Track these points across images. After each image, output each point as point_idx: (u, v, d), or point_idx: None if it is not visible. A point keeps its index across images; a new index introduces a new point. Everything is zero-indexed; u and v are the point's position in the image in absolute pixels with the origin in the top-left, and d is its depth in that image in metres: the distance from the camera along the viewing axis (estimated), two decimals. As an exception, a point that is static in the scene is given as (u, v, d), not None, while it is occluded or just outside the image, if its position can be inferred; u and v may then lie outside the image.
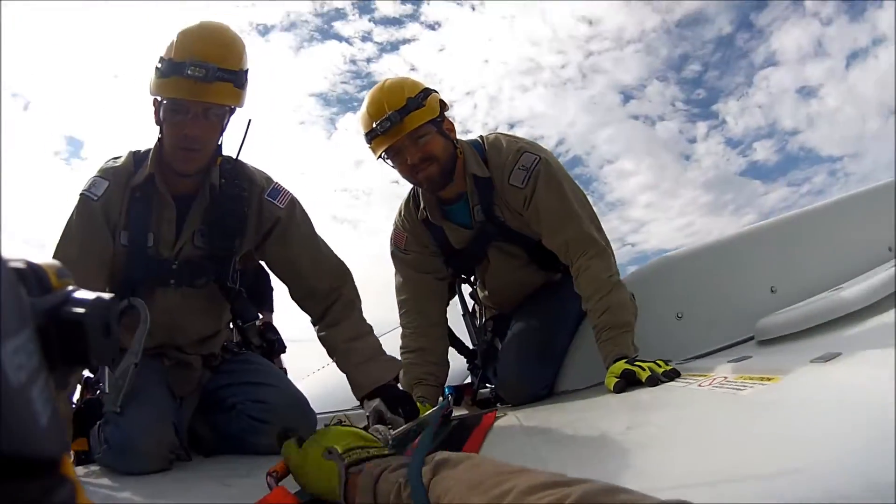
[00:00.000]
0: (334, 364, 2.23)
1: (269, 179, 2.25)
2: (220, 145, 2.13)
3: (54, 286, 0.47)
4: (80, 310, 0.45)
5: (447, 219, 2.52)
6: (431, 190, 2.42)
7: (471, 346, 2.83)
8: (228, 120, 2.07)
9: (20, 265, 0.44)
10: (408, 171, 2.35)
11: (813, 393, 1.19)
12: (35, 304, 0.42)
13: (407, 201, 2.62)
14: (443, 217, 2.52)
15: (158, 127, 2.05)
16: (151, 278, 2.11)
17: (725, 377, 1.52)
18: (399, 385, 2.26)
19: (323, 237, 2.34)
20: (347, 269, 2.34)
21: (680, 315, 2.49)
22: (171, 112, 1.97)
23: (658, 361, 1.88)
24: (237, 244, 2.20)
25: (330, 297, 2.24)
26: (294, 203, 2.25)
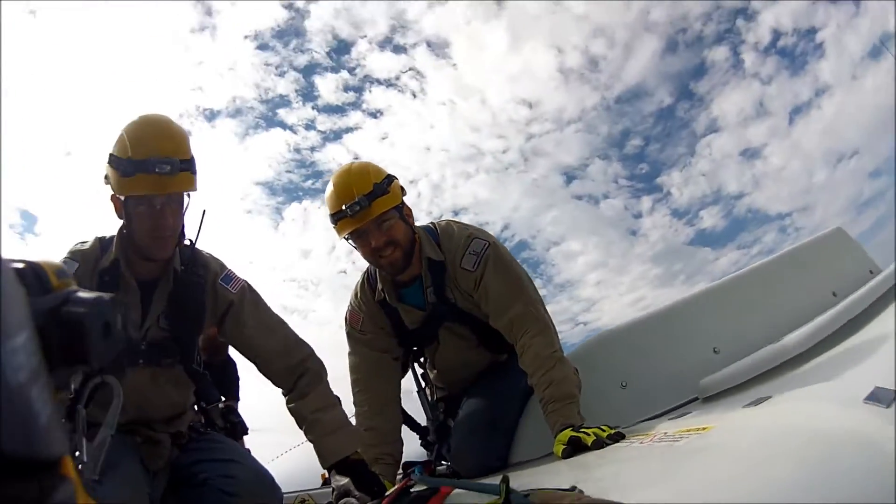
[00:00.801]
0: (295, 450, 2.37)
1: (222, 266, 2.37)
2: (183, 229, 2.24)
3: (54, 286, 0.47)
4: (80, 310, 0.46)
5: (402, 300, 2.60)
6: (392, 273, 2.50)
7: (424, 423, 2.87)
8: (187, 205, 2.19)
9: (20, 265, 0.44)
10: (370, 254, 2.43)
11: (739, 435, 1.24)
12: (35, 304, 0.42)
13: (362, 283, 2.70)
14: (398, 299, 2.60)
15: (122, 220, 2.16)
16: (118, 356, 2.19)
17: (665, 433, 1.56)
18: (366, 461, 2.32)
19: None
20: (307, 344, 2.44)
21: (624, 384, 2.52)
22: (138, 206, 2.09)
23: (603, 426, 1.92)
24: (197, 327, 2.29)
25: (297, 370, 2.34)
26: (245, 288, 2.37)
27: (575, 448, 1.91)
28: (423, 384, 2.91)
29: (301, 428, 2.32)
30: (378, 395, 2.64)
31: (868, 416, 1.04)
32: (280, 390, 2.40)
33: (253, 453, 2.86)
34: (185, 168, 2.07)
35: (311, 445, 2.31)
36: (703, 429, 1.40)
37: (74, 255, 2.18)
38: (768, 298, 2.84)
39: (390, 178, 2.43)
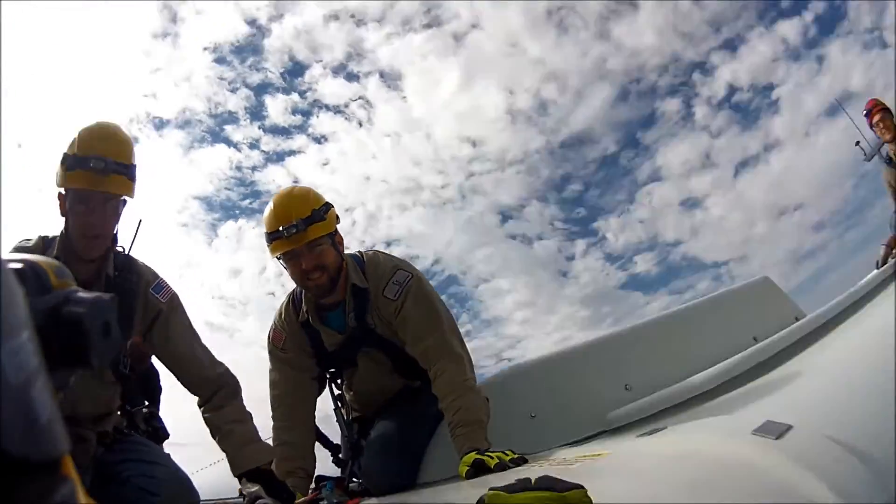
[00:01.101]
0: (215, 466, 2.42)
1: (155, 275, 2.46)
2: (116, 234, 2.34)
3: (54, 286, 0.47)
4: (80, 309, 0.45)
5: (324, 323, 2.68)
6: (318, 296, 2.59)
7: (337, 441, 2.96)
8: (122, 210, 2.29)
9: (20, 265, 0.44)
10: (299, 276, 2.52)
11: (628, 460, 1.25)
12: (35, 304, 0.42)
13: (287, 304, 2.77)
14: (320, 321, 2.67)
15: (64, 218, 2.25)
16: None
17: (564, 458, 1.59)
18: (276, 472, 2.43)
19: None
20: (222, 362, 2.57)
21: (533, 415, 2.56)
22: (74, 203, 2.19)
23: (507, 451, 1.96)
24: (126, 332, 2.33)
25: (215, 382, 2.48)
26: (175, 298, 2.48)
27: (478, 470, 1.95)
28: (339, 404, 2.97)
29: (215, 438, 2.42)
30: (295, 411, 2.71)
31: (753, 446, 1.05)
32: (196, 400, 2.49)
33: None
34: (120, 171, 2.18)
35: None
36: (598, 455, 1.42)
37: (17, 253, 2.22)
38: (687, 340, 2.90)
39: (328, 206, 2.53)
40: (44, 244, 2.30)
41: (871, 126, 5.23)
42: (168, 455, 2.67)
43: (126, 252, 2.38)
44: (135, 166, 2.26)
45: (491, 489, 0.83)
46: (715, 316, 3.09)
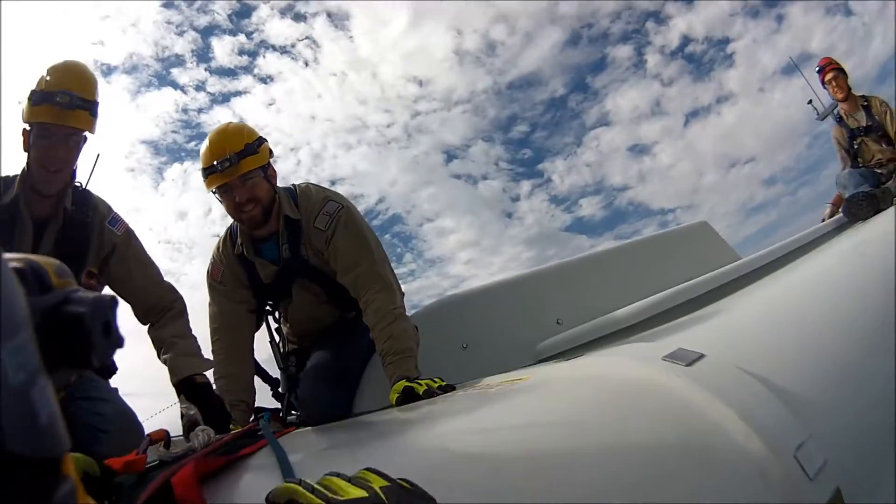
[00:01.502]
0: (163, 413, 2.48)
1: (109, 209, 2.52)
2: (75, 170, 2.39)
3: (54, 285, 0.46)
4: (81, 309, 0.45)
5: (259, 255, 2.73)
6: (251, 228, 2.63)
7: (276, 376, 3.01)
8: (83, 146, 2.35)
9: (20, 264, 0.44)
10: (233, 208, 2.56)
11: (543, 381, 1.30)
12: (35, 304, 0.42)
13: (224, 239, 2.81)
14: (255, 253, 2.72)
15: (26, 153, 2.29)
16: None
17: (488, 384, 1.62)
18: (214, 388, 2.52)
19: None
20: (177, 290, 2.66)
21: (465, 345, 2.63)
22: (37, 137, 2.25)
23: (435, 379, 2.03)
24: (82, 266, 2.40)
25: (164, 308, 2.56)
26: (129, 231, 2.55)
27: (407, 397, 2.01)
28: (275, 337, 3.02)
29: (158, 351, 2.49)
30: (234, 344, 2.75)
31: (662, 370, 1.09)
32: (146, 327, 2.56)
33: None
34: (84, 107, 2.24)
35: (178, 410, 2.40)
36: (519, 379, 1.45)
37: None
38: (621, 278, 2.96)
39: (261, 140, 2.60)
40: (4, 183, 2.32)
41: (824, 84, 5.21)
42: (116, 390, 2.67)
43: (83, 186, 2.44)
44: (97, 103, 2.31)
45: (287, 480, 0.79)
46: (650, 255, 3.16)
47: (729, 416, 0.93)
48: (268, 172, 2.63)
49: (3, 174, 2.37)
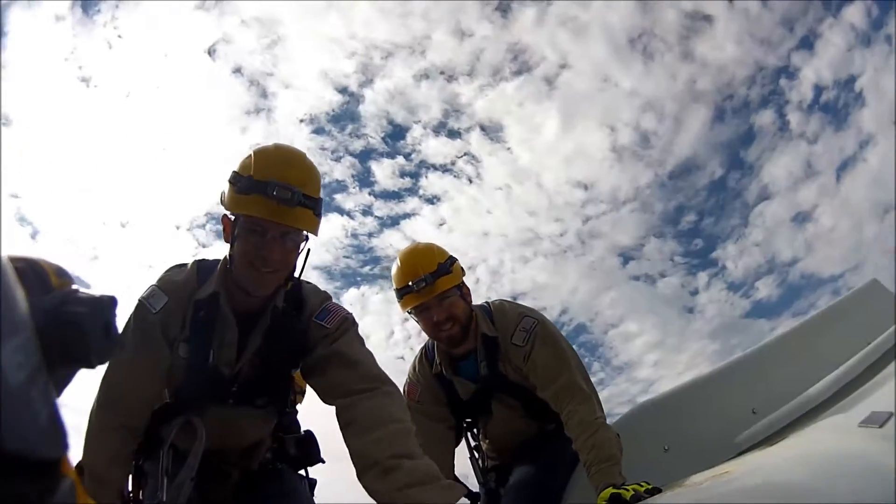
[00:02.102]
0: None
1: (322, 299, 2.13)
2: (293, 271, 2.03)
3: (54, 286, 0.47)
4: (80, 309, 0.45)
5: (457, 373, 2.77)
6: (450, 346, 2.68)
7: (476, 490, 2.95)
8: (302, 249, 1.98)
9: (20, 265, 0.44)
10: (431, 327, 2.62)
11: (751, 470, 1.36)
12: (35, 304, 0.42)
13: (420, 358, 2.88)
14: (454, 372, 2.77)
15: (229, 244, 1.98)
16: (210, 395, 2.05)
17: (695, 482, 1.67)
18: None
19: None
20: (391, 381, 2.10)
21: (667, 448, 2.62)
22: (247, 231, 1.88)
23: (642, 483, 2.03)
24: (293, 367, 2.12)
25: (362, 393, 1.94)
26: (346, 322, 2.09)
27: (615, 503, 2.02)
28: (475, 454, 3.01)
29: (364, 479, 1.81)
30: (435, 462, 2.67)
31: (860, 437, 1.15)
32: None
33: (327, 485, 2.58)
34: (306, 204, 1.86)
35: None
36: (726, 472, 1.50)
37: (164, 287, 2.03)
38: (805, 357, 2.89)
39: (452, 259, 2.64)
40: (198, 273, 2.07)
41: None
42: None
43: (298, 285, 2.09)
44: (321, 201, 1.95)
45: None
46: (828, 328, 3.07)
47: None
48: (463, 291, 2.67)
49: (201, 259, 2.12)
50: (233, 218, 1.92)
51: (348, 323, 2.09)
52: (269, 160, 1.90)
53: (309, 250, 2.01)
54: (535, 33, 15.78)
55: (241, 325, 2.02)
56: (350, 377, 1.96)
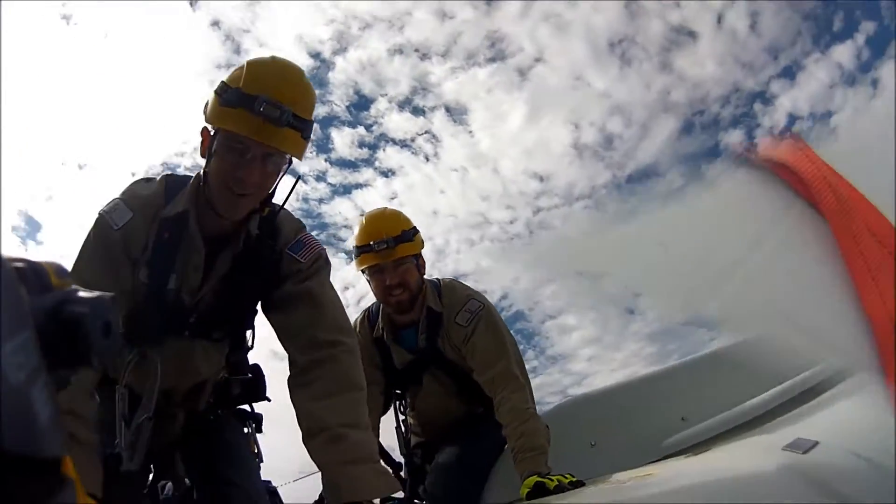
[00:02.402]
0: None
1: (297, 230, 1.96)
2: (272, 195, 1.86)
3: (54, 285, 0.46)
4: (81, 309, 0.45)
5: (396, 341, 2.84)
6: (396, 312, 2.76)
7: (398, 460, 3.03)
8: (284, 172, 1.80)
9: (20, 264, 0.44)
10: (382, 290, 2.69)
11: (671, 476, 1.39)
12: (35, 304, 0.42)
13: (362, 319, 2.93)
14: (394, 339, 2.84)
15: (205, 160, 1.78)
16: (168, 324, 1.88)
17: (619, 479, 1.71)
18: None
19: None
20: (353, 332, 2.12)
21: (593, 443, 2.70)
22: (226, 148, 1.70)
23: (566, 475, 2.09)
24: (257, 300, 1.97)
25: (325, 349, 1.84)
26: (318, 258, 1.94)
27: (538, 492, 2.08)
28: (402, 427, 3.06)
29: (307, 435, 1.77)
30: None
31: (782, 460, 1.18)
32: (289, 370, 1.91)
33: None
34: (295, 125, 1.67)
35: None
36: (649, 475, 1.54)
37: (129, 201, 1.83)
38: (740, 373, 2.95)
39: (416, 230, 2.73)
40: (166, 188, 1.87)
41: None
42: (252, 462, 2.25)
43: (276, 213, 1.90)
44: (312, 124, 1.76)
45: None
46: (768, 347, 3.14)
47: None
48: (419, 262, 2.75)
49: (169, 173, 1.94)
50: (212, 132, 1.73)
51: (322, 261, 1.95)
52: (262, 73, 1.71)
53: (300, 177, 1.93)
54: (517, 24, 15.74)
55: (208, 248, 1.85)
56: (315, 321, 1.85)
